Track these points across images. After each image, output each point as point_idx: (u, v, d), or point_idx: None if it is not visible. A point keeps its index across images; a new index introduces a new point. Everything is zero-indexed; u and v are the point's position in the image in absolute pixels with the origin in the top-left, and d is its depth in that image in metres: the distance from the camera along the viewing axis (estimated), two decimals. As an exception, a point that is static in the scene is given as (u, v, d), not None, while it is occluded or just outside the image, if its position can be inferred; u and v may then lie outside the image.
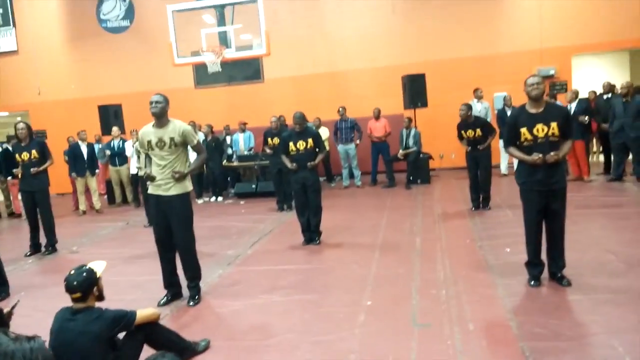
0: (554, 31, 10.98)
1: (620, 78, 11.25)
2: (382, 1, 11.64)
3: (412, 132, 9.90)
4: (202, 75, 12.00)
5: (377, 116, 10.17)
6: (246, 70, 12.27)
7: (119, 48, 12.83)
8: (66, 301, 2.86)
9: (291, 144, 5.91)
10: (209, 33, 9.06)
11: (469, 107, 6.88)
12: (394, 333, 3.44)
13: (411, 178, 9.68)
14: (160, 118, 4.20)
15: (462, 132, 6.94)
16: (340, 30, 11.89)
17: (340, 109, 10.22)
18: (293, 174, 5.97)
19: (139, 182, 9.70)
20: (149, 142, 4.22)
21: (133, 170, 10.03)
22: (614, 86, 9.27)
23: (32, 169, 6.33)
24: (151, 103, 4.19)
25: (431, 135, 10.87)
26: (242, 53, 9.36)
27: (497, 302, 3.83)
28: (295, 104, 11.51)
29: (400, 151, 9.93)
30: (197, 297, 4.35)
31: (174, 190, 4.22)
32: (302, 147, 5.88)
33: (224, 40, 9.00)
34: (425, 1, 11.48)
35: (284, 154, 6.02)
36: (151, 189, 4.31)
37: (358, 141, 10.14)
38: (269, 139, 8.52)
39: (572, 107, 8.51)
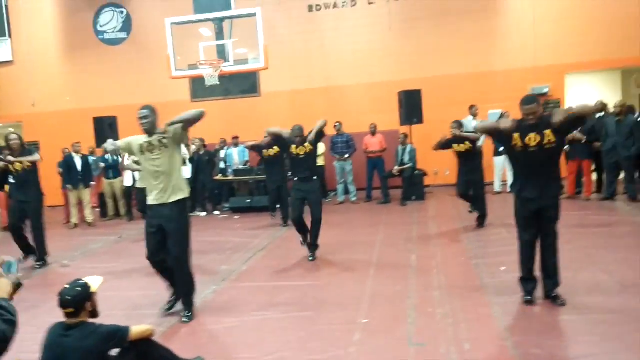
0: (548, 50, 11.12)
1: (612, 97, 11.38)
2: (379, 18, 11.75)
3: (408, 148, 9.94)
4: (198, 88, 12.03)
5: (374, 132, 10.22)
6: (243, 84, 12.31)
7: (116, 60, 12.85)
8: (57, 316, 2.82)
9: (293, 147, 5.90)
10: (207, 46, 9.09)
11: (460, 124, 7.01)
12: (390, 352, 3.42)
13: (406, 194, 9.70)
14: (152, 132, 4.19)
15: (454, 145, 7.07)
16: (337, 46, 11.98)
17: (337, 124, 10.27)
18: (295, 183, 5.97)
19: (132, 195, 9.68)
20: (141, 145, 4.20)
21: (127, 183, 10.00)
22: (606, 105, 9.38)
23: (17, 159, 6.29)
24: (140, 119, 4.15)
25: (426, 151, 10.86)
26: (240, 67, 9.39)
27: (492, 321, 3.82)
28: (291, 118, 11.54)
29: (396, 167, 9.96)
30: (190, 312, 4.31)
31: (173, 197, 4.19)
32: (302, 152, 5.85)
33: (222, 53, 9.03)
34: (422, 18, 11.61)
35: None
36: (150, 200, 4.28)
37: (347, 156, 10.15)
38: (264, 151, 8.43)
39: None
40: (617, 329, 3.50)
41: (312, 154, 5.93)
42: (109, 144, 4.34)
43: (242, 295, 4.86)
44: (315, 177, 5.97)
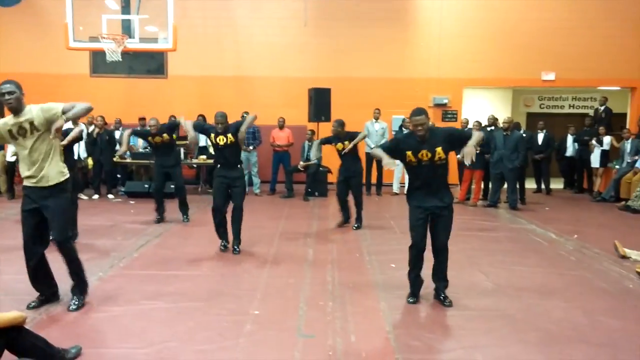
0: (450, 63, 11.85)
1: (503, 112, 12.43)
2: (295, 12, 11.78)
3: (314, 144, 10.07)
4: (99, 63, 11.30)
5: (282, 126, 10.24)
6: (149, 64, 11.76)
7: (8, 23, 11.68)
8: None
9: (212, 135, 5.65)
10: (111, 19, 8.56)
11: (340, 124, 7.12)
12: (278, 343, 3.45)
13: (309, 190, 9.84)
14: (19, 110, 3.71)
15: (334, 144, 7.25)
16: (251, 36, 11.85)
17: (244, 115, 10.12)
18: (218, 170, 5.74)
19: (14, 171, 8.88)
20: (10, 132, 3.75)
21: (9, 158, 9.16)
22: (496, 119, 10.19)
23: None
24: (3, 95, 3.65)
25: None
26: (146, 45, 8.96)
27: (379, 315, 3.99)
28: (198, 104, 11.28)
29: (301, 162, 10.06)
30: (79, 300, 4.01)
31: (53, 181, 3.84)
32: (222, 142, 5.62)
33: (127, 29, 8.55)
34: (337, 19, 11.83)
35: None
36: (26, 182, 3.90)
37: (251, 147, 10.06)
38: (150, 138, 7.35)
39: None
40: (489, 324, 3.81)
41: (235, 144, 5.69)
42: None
43: (130, 283, 4.64)
44: (239, 166, 5.81)
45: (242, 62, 11.87)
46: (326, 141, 7.38)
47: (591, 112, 12.44)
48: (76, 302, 3.99)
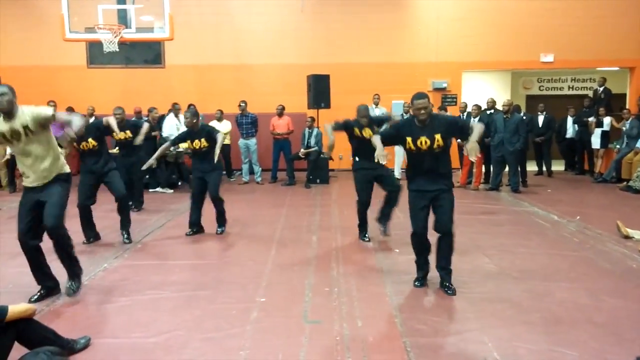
0: (448, 47, 11.77)
1: (502, 95, 12.37)
2: (292, -1, 11.68)
3: (315, 132, 10.06)
4: (96, 54, 11.23)
5: (281, 113, 10.20)
6: (146, 54, 11.68)
7: (3, 15, 11.56)
8: None
9: (188, 141, 5.91)
10: (107, 9, 8.49)
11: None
12: (286, 329, 3.47)
13: (311, 177, 9.84)
14: (10, 113, 3.68)
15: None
16: (248, 23, 11.75)
17: (242, 104, 10.09)
18: (193, 163, 5.96)
19: (15, 165, 8.83)
20: (3, 135, 3.73)
21: (9, 152, 9.12)
22: (495, 102, 10.15)
23: None
24: None
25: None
26: (142, 35, 8.89)
27: (385, 299, 4.02)
28: (196, 93, 11.24)
29: (302, 150, 10.05)
30: (75, 284, 4.07)
31: (52, 175, 3.90)
32: (197, 146, 5.87)
33: (123, 19, 8.49)
34: (334, 5, 11.73)
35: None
36: (26, 182, 3.92)
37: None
38: (114, 134, 6.32)
39: (464, 117, 9.22)
40: (494, 306, 3.83)
41: (209, 147, 5.85)
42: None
43: (135, 274, 4.66)
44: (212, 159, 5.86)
45: (239, 50, 11.79)
46: (346, 126, 5.62)
47: (590, 93, 12.40)
48: (73, 286, 4.05)
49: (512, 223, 6.69)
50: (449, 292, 4.12)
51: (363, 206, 5.67)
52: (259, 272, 4.68)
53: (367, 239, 5.68)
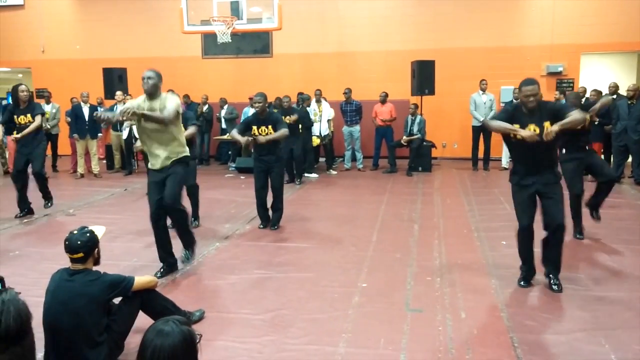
0: (565, 28, 10.88)
1: (626, 80, 11.18)
2: (396, -16, 11.48)
3: (418, 119, 9.87)
4: (210, 45, 11.88)
5: (384, 100, 10.13)
6: (255, 44, 12.15)
7: (128, 11, 12.64)
8: (61, 263, 2.88)
9: (254, 128, 5.70)
10: (221, 2, 8.94)
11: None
12: (387, 316, 3.50)
13: (413, 165, 9.70)
14: (153, 95, 4.20)
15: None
16: (353, 10, 11.74)
17: (347, 91, 10.16)
18: (257, 155, 5.83)
19: (132, 149, 9.63)
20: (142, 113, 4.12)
21: (125, 137, 9.92)
22: (618, 87, 9.24)
23: (21, 133, 6.35)
24: (143, 79, 4.16)
25: (435, 123, 10.87)
26: (253, 25, 9.25)
27: (490, 292, 3.88)
28: (302, 81, 11.50)
29: (404, 137, 9.92)
30: (190, 253, 4.53)
31: (171, 158, 4.28)
32: (264, 133, 5.67)
33: (235, 11, 8.88)
34: (440, -13, 11.33)
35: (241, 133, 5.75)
36: (150, 165, 4.37)
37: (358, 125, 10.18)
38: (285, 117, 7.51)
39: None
40: (610, 307, 3.56)
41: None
42: (108, 114, 4.37)
43: (244, 254, 4.94)
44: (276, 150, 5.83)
45: (344, 37, 11.84)
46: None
47: None
48: (188, 254, 4.53)
49: (635, 218, 6.10)
50: (554, 288, 3.86)
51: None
52: (360, 257, 4.73)
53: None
